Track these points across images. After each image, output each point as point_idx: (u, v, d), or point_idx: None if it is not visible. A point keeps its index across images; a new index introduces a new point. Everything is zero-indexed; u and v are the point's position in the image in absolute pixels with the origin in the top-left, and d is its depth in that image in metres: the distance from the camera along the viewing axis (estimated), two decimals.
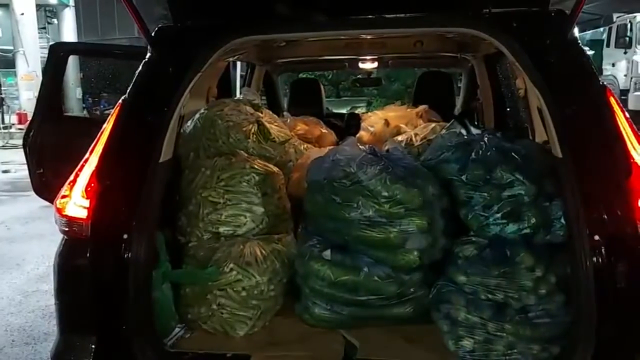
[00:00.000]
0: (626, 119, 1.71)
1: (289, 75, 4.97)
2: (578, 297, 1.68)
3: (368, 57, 4.21)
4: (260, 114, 2.60)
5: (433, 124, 2.57)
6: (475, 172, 1.94)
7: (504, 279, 1.87)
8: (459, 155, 2.02)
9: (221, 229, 2.23)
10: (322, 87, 4.46)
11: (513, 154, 1.97)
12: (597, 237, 1.63)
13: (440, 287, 2.01)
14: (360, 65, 4.43)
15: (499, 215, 1.88)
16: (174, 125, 1.95)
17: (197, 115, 2.51)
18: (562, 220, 1.85)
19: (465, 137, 2.16)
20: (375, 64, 4.41)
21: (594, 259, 1.62)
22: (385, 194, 1.90)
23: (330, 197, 2.00)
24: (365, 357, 1.91)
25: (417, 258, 1.92)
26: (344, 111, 4.87)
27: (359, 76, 5.16)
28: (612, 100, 1.74)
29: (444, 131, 2.18)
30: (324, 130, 3.45)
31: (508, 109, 3.72)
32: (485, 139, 2.03)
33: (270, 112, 2.74)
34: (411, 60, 4.42)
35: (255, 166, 2.32)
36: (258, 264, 2.12)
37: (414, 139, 2.51)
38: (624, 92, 13.25)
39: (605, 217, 1.62)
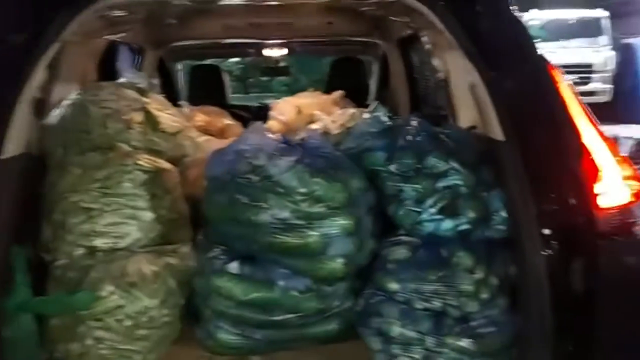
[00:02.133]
0: (574, 94, 1.48)
1: (188, 65, 4.51)
2: (527, 302, 1.44)
3: (274, 42, 3.86)
4: (147, 100, 2.16)
5: (352, 110, 2.28)
6: (405, 161, 1.65)
7: (441, 283, 1.60)
8: (385, 142, 1.72)
9: (97, 242, 1.77)
10: (224, 74, 4.03)
11: (446, 139, 1.70)
12: (547, 231, 1.39)
13: (368, 298, 1.71)
14: (267, 51, 4.07)
15: (433, 210, 1.60)
16: (24, 111, 1.50)
17: (67, 102, 2.02)
18: (503, 213, 1.61)
19: (390, 122, 1.87)
20: (283, 50, 4.06)
21: (545, 256, 1.38)
22: (303, 190, 1.56)
23: (234, 196, 1.63)
24: None
25: (342, 266, 1.60)
26: (251, 103, 4.47)
27: (267, 65, 4.79)
28: (555, 74, 1.52)
29: (366, 115, 1.88)
30: (228, 122, 3.06)
31: (423, 96, 3.54)
32: (414, 123, 1.75)
33: (161, 98, 2.31)
34: (321, 46, 4.12)
35: (141, 162, 1.88)
36: (146, 284, 1.70)
37: (331, 126, 2.20)
38: None
39: (556, 207, 1.39)
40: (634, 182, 1.37)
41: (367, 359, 1.69)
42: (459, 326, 1.58)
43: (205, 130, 2.86)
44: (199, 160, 2.26)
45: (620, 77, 12.96)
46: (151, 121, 2.10)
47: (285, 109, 2.66)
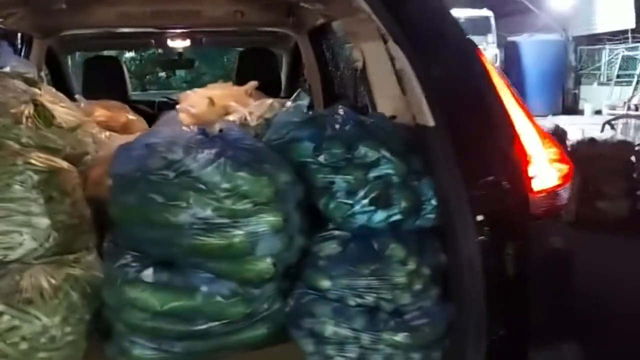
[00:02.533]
0: (502, 79, 1.47)
1: (82, 56, 4.14)
2: (461, 290, 1.41)
3: (178, 32, 3.64)
4: (37, 91, 1.90)
5: (270, 100, 2.15)
6: (334, 151, 1.56)
7: (374, 277, 1.54)
8: (311, 132, 1.62)
9: None
10: (124, 67, 3.74)
11: (374, 127, 1.64)
12: (480, 217, 1.37)
13: (298, 298, 1.61)
14: (170, 42, 3.83)
15: (365, 201, 1.52)
16: None
17: None
18: (433, 201, 1.58)
19: (312, 112, 1.77)
20: (187, 41, 3.85)
21: (479, 242, 1.36)
22: (226, 185, 1.41)
23: (147, 195, 1.45)
24: None
25: (270, 266, 1.48)
26: (153, 99, 4.19)
27: (168, 59, 4.52)
28: (484, 60, 1.50)
29: (288, 104, 1.77)
30: (131, 117, 2.82)
31: (338, 87, 3.50)
32: (341, 111, 1.67)
33: (54, 91, 2.05)
34: (229, 37, 3.95)
35: (33, 161, 1.64)
36: (45, 300, 1.48)
37: (248, 118, 2.06)
38: None
39: (489, 192, 1.36)
40: (560, 165, 1.38)
41: None
42: (393, 320, 1.53)
43: (106, 126, 2.61)
44: (102, 158, 2.05)
45: (505, 73, 13.88)
46: (43, 115, 1.85)
47: (195, 101, 2.47)
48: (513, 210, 1.32)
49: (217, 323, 1.50)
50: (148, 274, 1.50)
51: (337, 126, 1.61)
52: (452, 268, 1.45)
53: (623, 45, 15.88)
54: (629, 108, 12.99)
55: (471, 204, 1.36)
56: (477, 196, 1.37)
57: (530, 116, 1.42)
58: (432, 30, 1.54)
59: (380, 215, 1.54)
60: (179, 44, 3.91)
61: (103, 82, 3.45)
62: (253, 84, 2.66)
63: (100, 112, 2.71)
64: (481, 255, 1.34)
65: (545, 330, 1.36)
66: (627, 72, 15.47)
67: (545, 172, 1.35)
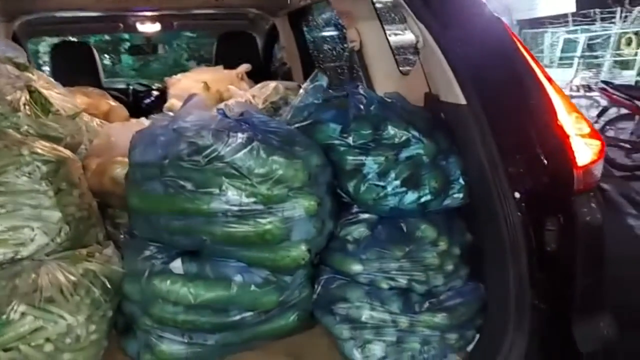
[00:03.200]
0: (530, 56, 1.47)
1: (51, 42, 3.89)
2: (503, 268, 1.41)
3: (149, 15, 3.49)
4: (31, 76, 1.77)
5: (274, 83, 2.09)
6: (363, 132, 1.52)
7: (406, 259, 1.52)
8: (335, 113, 1.58)
9: None
10: (96, 52, 3.55)
11: (398, 107, 1.61)
12: (518, 194, 1.37)
13: (327, 283, 1.58)
14: (140, 26, 3.67)
15: (397, 182, 1.50)
16: None
17: None
18: (461, 181, 1.57)
19: (332, 92, 1.73)
20: (158, 26, 3.70)
21: (521, 218, 1.36)
22: (260, 170, 1.36)
23: (176, 183, 1.38)
24: None
25: (306, 252, 1.44)
26: (124, 86, 3.99)
27: (136, 44, 4.33)
28: (513, 35, 1.49)
29: (305, 85, 1.72)
30: (113, 104, 2.69)
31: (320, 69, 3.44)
32: (361, 90, 1.63)
33: (46, 75, 1.91)
34: (203, 20, 3.82)
35: (39, 150, 1.53)
36: (66, 298, 1.39)
37: (253, 102, 1.99)
38: None
39: (529, 168, 1.37)
40: (593, 140, 1.40)
41: (327, 348, 1.58)
42: (428, 302, 1.52)
43: (87, 114, 2.48)
44: (98, 148, 1.95)
45: None
46: (40, 102, 1.73)
47: (188, 86, 2.38)
48: (557, 186, 1.33)
49: (250, 313, 1.46)
50: (177, 265, 1.43)
51: (362, 107, 1.57)
52: (492, 246, 1.44)
53: (564, 29, 16.45)
54: (570, 89, 13.51)
55: (510, 180, 1.36)
56: (515, 173, 1.37)
57: (560, 91, 1.43)
58: (457, 6, 1.52)
59: (411, 197, 1.52)
60: (149, 28, 3.74)
61: (74, 69, 3.26)
62: (245, 67, 2.59)
63: (81, 99, 2.57)
64: (524, 231, 1.34)
65: (585, 304, 1.39)
66: (568, 55, 16.04)
67: (581, 147, 1.36)
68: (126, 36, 4.14)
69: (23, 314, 1.32)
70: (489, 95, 1.41)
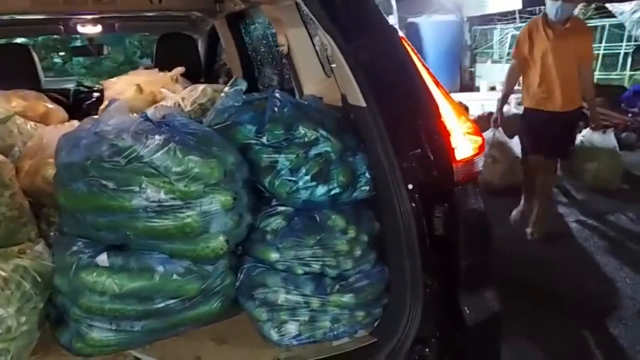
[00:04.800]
0: (421, 62, 1.65)
1: None
2: (399, 251, 1.59)
3: (90, 18, 3.53)
4: None
5: (202, 86, 2.21)
6: (276, 132, 1.67)
7: (319, 247, 1.68)
8: (252, 115, 1.72)
9: None
10: (34, 54, 3.57)
11: (310, 109, 1.77)
12: (411, 185, 1.55)
13: (248, 271, 1.72)
14: (81, 28, 3.70)
15: (307, 177, 1.65)
16: None
17: None
18: (367, 175, 1.74)
19: (248, 95, 1.86)
20: (99, 28, 3.74)
21: (412, 207, 1.54)
22: (178, 169, 1.49)
23: (98, 183, 1.49)
24: None
25: (224, 243, 1.58)
26: (68, 85, 4.01)
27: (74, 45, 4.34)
28: (406, 43, 1.67)
29: (226, 90, 1.85)
30: (50, 106, 2.75)
31: (258, 71, 3.57)
32: (277, 95, 1.78)
33: None
34: (143, 22, 3.88)
35: None
36: None
37: (182, 103, 2.11)
38: None
39: (419, 162, 1.54)
40: (474, 137, 1.58)
41: (251, 332, 1.71)
42: (338, 284, 1.68)
43: (24, 117, 2.54)
44: (32, 150, 2.03)
45: None
46: None
47: (122, 88, 2.47)
48: (440, 178, 1.51)
49: (174, 300, 1.59)
50: (103, 258, 1.54)
51: (276, 109, 1.71)
52: (390, 232, 1.61)
53: (512, 25, 17.01)
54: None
55: (404, 174, 1.53)
56: (408, 167, 1.54)
57: (446, 94, 1.61)
58: (358, 20, 1.68)
59: (321, 190, 1.67)
60: (90, 30, 3.78)
61: (12, 71, 3.28)
62: (179, 69, 2.69)
63: (16, 102, 2.62)
64: (415, 219, 1.52)
65: (471, 280, 1.57)
66: None
67: (463, 143, 1.55)
68: (73, 36, 4.13)
69: None
70: (384, 98, 1.58)
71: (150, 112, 1.63)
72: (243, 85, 1.80)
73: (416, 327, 1.55)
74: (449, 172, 1.50)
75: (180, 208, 1.51)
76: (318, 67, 2.49)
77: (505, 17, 17.12)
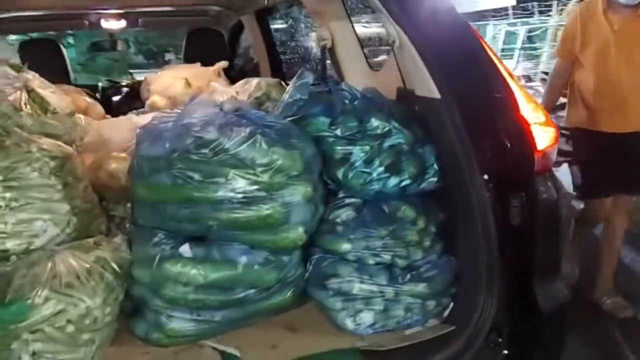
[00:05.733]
0: (492, 52, 1.68)
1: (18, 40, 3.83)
2: (475, 241, 1.62)
3: (113, 12, 3.53)
4: (28, 77, 1.84)
5: (256, 80, 2.23)
6: (350, 124, 1.70)
7: (389, 237, 1.71)
8: (324, 108, 1.74)
9: (9, 245, 1.52)
10: (64, 49, 3.56)
11: (379, 101, 1.79)
12: (486, 176, 1.58)
13: (318, 262, 1.74)
14: (105, 23, 3.70)
15: (381, 169, 1.68)
16: None
17: None
18: (435, 167, 1.77)
19: (316, 88, 1.89)
20: (123, 23, 3.74)
21: (489, 197, 1.57)
22: (263, 161, 1.51)
23: (184, 174, 1.51)
24: None
25: (303, 233, 1.60)
26: (93, 83, 4.00)
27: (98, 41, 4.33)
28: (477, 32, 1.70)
29: (294, 81, 1.86)
30: (89, 101, 2.76)
31: (286, 66, 3.59)
32: (344, 87, 1.80)
33: (38, 75, 1.99)
34: (168, 17, 3.88)
35: (46, 147, 1.63)
36: (82, 283, 1.50)
37: (238, 98, 2.13)
38: None
39: (496, 152, 1.57)
40: (548, 128, 1.62)
41: (319, 320, 1.74)
42: (409, 274, 1.71)
43: None
44: (91, 145, 2.04)
45: None
46: (39, 101, 1.81)
47: (168, 83, 2.48)
48: (520, 168, 1.54)
49: (253, 290, 1.61)
50: (186, 249, 1.56)
51: (347, 101, 1.74)
52: (465, 222, 1.64)
53: (505, 21, 17.14)
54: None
55: (480, 164, 1.56)
56: (485, 158, 1.57)
57: (520, 85, 1.64)
58: (431, 12, 1.70)
59: (393, 181, 1.70)
60: (114, 25, 3.78)
61: (43, 66, 3.26)
62: (222, 64, 2.70)
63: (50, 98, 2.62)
64: (493, 208, 1.55)
65: (544, 270, 1.61)
66: (510, 46, 16.72)
67: (539, 134, 1.58)
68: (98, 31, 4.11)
69: (46, 298, 1.42)
70: (459, 89, 1.60)
71: (226, 105, 1.65)
72: (310, 79, 1.82)
73: (492, 315, 1.58)
74: (529, 163, 1.53)
75: (264, 199, 1.54)
76: (363, 62, 2.52)
77: (499, 13, 17.24)
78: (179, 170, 1.51)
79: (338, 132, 1.69)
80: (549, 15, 16.24)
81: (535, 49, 16.16)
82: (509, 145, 1.55)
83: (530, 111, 1.62)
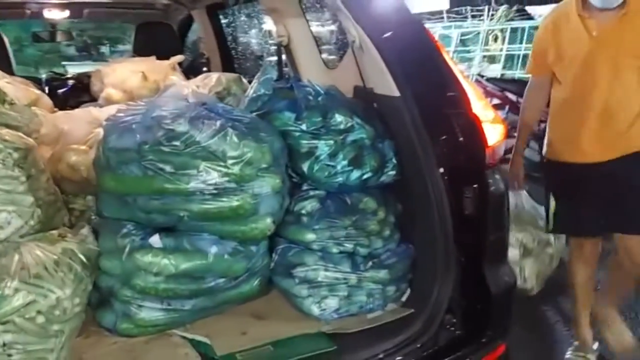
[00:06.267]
0: (446, 53, 1.80)
1: None
2: (431, 230, 1.74)
3: (57, 2, 3.44)
4: None
5: (216, 74, 2.25)
6: (314, 119, 1.77)
7: (352, 227, 1.80)
8: (289, 103, 1.81)
9: None
10: (5, 39, 3.41)
11: (341, 97, 1.88)
12: (442, 169, 1.69)
13: (284, 252, 1.82)
14: (47, 13, 3.59)
15: (345, 162, 1.77)
16: None
17: None
18: (394, 160, 1.87)
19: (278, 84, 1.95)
20: (67, 13, 3.64)
21: (445, 189, 1.69)
22: (234, 153, 1.55)
23: (156, 166, 1.53)
24: (228, 351, 1.58)
25: (271, 224, 1.66)
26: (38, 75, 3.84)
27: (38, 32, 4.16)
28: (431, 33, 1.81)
29: (258, 76, 1.91)
30: (38, 92, 2.67)
31: (238, 60, 3.61)
32: (306, 83, 1.87)
33: None
34: (115, 9, 3.80)
35: (8, 138, 1.60)
36: (51, 274, 1.49)
37: (198, 92, 2.15)
38: None
39: (451, 147, 1.69)
40: (497, 125, 1.76)
41: (284, 307, 1.81)
42: (371, 261, 1.81)
43: None
44: (49, 136, 2.01)
45: None
46: None
47: (125, 76, 2.45)
48: (472, 162, 1.67)
49: (222, 279, 1.66)
50: (156, 240, 1.59)
51: (311, 97, 1.81)
52: (422, 213, 1.76)
53: (440, 24, 17.75)
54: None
55: (437, 158, 1.68)
56: (441, 152, 1.69)
57: (472, 84, 1.77)
58: (389, 13, 1.81)
59: (355, 174, 1.79)
60: (57, 15, 3.67)
61: None
62: (178, 58, 2.70)
63: (7, 88, 2.54)
64: (448, 200, 1.67)
65: (493, 255, 1.75)
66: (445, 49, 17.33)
67: (489, 130, 1.72)
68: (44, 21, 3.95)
69: (16, 290, 1.40)
70: (417, 88, 1.71)
71: (192, 99, 1.69)
72: (273, 74, 1.88)
73: (447, 298, 1.71)
74: (481, 157, 1.66)
75: (234, 190, 1.58)
76: (318, 59, 2.59)
77: (434, 16, 17.82)
78: (150, 162, 1.54)
79: (303, 126, 1.76)
80: (481, 20, 16.97)
81: (468, 51, 16.85)
82: (462, 140, 1.68)
83: (481, 109, 1.76)
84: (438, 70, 1.73)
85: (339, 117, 1.78)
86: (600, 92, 2.18)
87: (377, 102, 1.90)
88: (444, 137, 1.69)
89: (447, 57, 1.77)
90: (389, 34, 1.74)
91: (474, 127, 1.66)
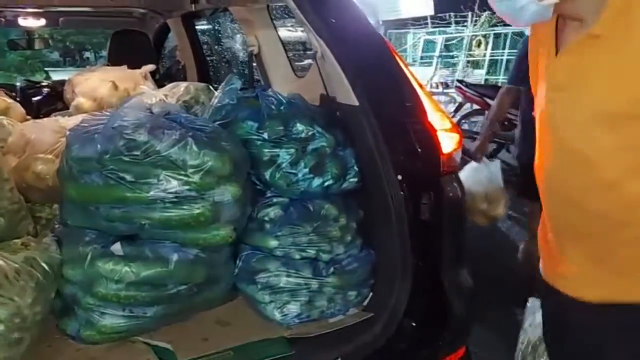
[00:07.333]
0: (404, 64, 1.85)
1: None
2: (390, 236, 1.78)
3: (32, 11, 3.45)
4: None
5: (185, 84, 2.29)
6: (276, 128, 1.81)
7: (314, 234, 1.84)
8: (251, 112, 1.85)
9: None
10: None
11: (302, 106, 1.92)
12: (400, 176, 1.74)
13: (247, 258, 1.85)
14: (23, 21, 3.60)
15: (306, 170, 1.81)
16: None
17: None
18: (355, 168, 1.92)
19: (243, 93, 1.98)
20: (42, 21, 3.66)
21: (402, 196, 1.73)
22: (194, 162, 1.59)
23: (117, 176, 1.56)
24: (189, 357, 1.61)
25: (232, 231, 1.70)
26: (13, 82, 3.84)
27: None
28: (390, 46, 1.87)
29: (223, 86, 1.95)
30: (9, 101, 2.69)
31: (213, 69, 3.64)
32: (271, 92, 1.92)
33: None
34: (90, 17, 3.81)
35: None
36: (11, 283, 1.51)
37: (167, 101, 2.18)
38: None
39: (408, 155, 1.74)
40: (453, 134, 1.81)
41: (249, 314, 1.84)
42: (332, 267, 1.85)
43: None
44: (16, 145, 2.03)
45: None
46: None
47: (95, 85, 2.48)
48: (428, 169, 1.72)
49: (184, 286, 1.68)
50: (117, 248, 1.61)
51: (273, 106, 1.85)
52: (381, 219, 1.80)
53: (424, 30, 17.93)
54: (431, 86, 14.84)
55: (394, 166, 1.73)
56: (398, 160, 1.74)
57: (428, 94, 1.83)
58: (350, 26, 1.86)
59: (317, 182, 1.83)
60: (32, 23, 3.68)
61: None
62: (149, 67, 2.73)
63: None
64: (405, 205, 1.71)
65: (451, 260, 1.80)
66: (428, 54, 17.54)
67: (444, 139, 1.77)
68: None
69: None
70: (375, 98, 1.76)
71: (156, 108, 1.72)
72: (238, 84, 1.92)
73: (406, 302, 1.75)
74: (437, 164, 1.71)
75: (195, 199, 1.62)
76: (288, 68, 2.64)
77: (419, 22, 18.01)
78: (111, 172, 1.56)
79: (265, 135, 1.80)
80: (464, 25, 17.17)
81: (452, 57, 17.03)
82: (419, 149, 1.73)
83: (437, 119, 1.81)
84: (395, 82, 1.78)
85: (300, 126, 1.82)
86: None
87: (339, 111, 1.94)
88: (400, 145, 1.74)
89: (404, 68, 1.82)
90: (347, 45, 1.79)
91: (429, 135, 1.71)
